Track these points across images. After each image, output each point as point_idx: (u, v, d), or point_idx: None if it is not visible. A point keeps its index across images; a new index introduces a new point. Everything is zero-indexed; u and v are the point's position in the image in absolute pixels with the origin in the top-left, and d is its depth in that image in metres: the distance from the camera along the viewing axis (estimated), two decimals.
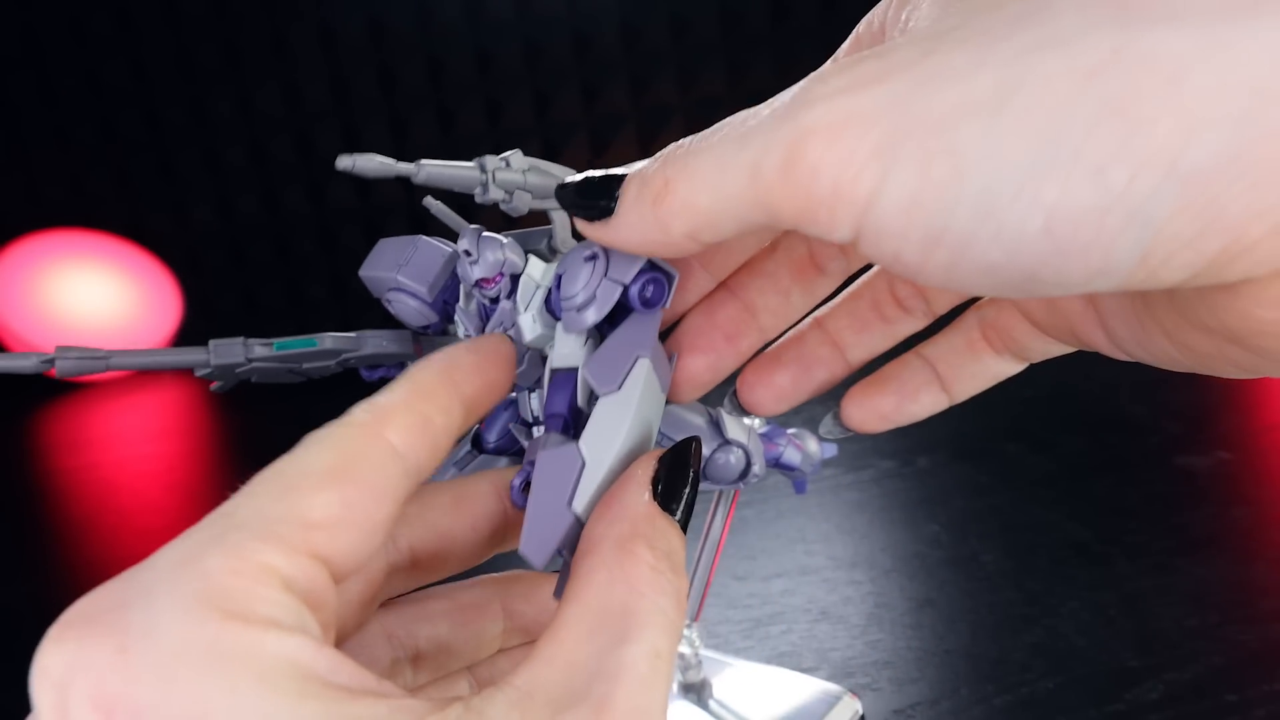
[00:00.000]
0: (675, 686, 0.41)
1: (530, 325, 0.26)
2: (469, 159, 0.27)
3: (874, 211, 0.16)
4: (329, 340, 0.28)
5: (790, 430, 0.33)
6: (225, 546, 0.16)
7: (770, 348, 0.29)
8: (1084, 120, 0.14)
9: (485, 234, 0.27)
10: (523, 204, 0.26)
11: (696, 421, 0.29)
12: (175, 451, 0.98)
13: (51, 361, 0.24)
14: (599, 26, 1.07)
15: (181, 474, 0.88)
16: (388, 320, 0.31)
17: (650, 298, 0.25)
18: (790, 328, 0.28)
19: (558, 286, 0.25)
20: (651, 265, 0.25)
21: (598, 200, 0.21)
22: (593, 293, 0.24)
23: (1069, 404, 0.66)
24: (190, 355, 0.26)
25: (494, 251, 0.26)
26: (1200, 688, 0.38)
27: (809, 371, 0.28)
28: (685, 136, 0.20)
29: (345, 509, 0.18)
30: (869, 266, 0.27)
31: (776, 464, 0.32)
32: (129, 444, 1.02)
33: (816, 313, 0.28)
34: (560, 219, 0.29)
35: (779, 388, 0.28)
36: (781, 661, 0.42)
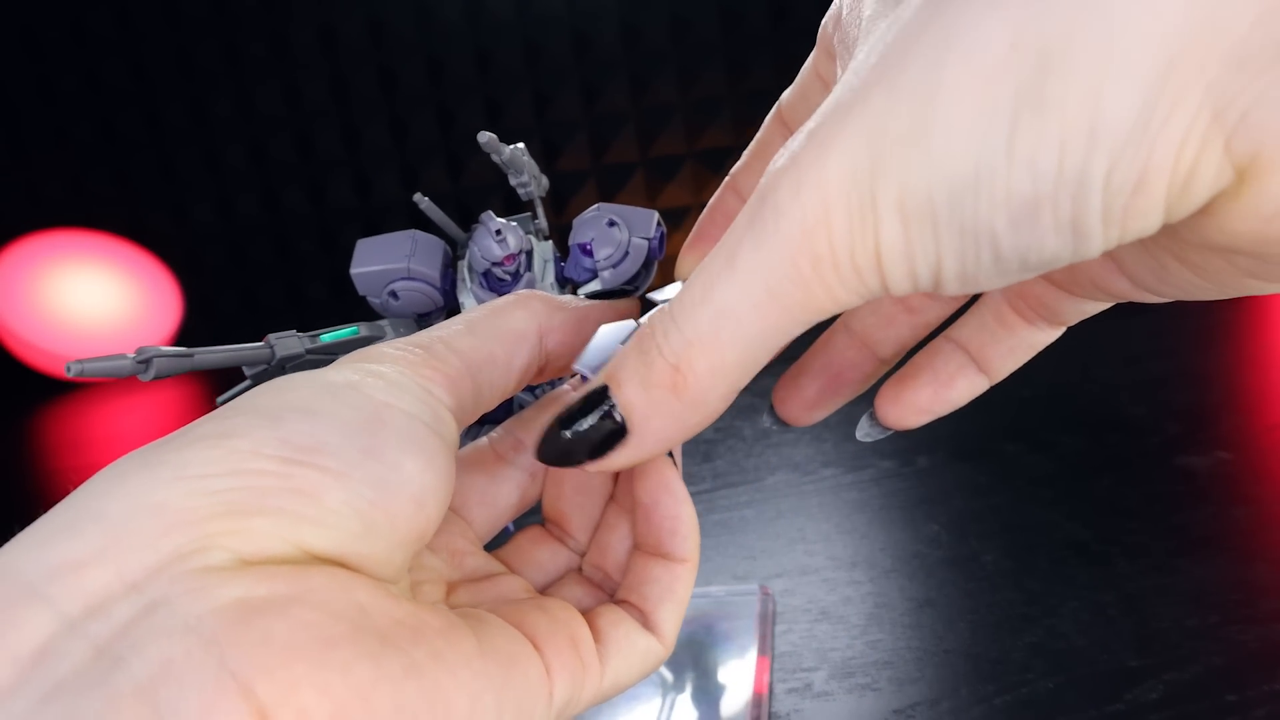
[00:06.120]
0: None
1: (551, 291, 0.31)
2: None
3: (885, 266, 0.17)
4: (365, 329, 0.29)
5: None
6: None
7: (800, 359, 0.28)
8: (1002, 120, 0.15)
9: (501, 220, 0.31)
10: (539, 190, 0.32)
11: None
12: None
13: (146, 363, 0.24)
14: (599, 26, 1.07)
15: None
16: (377, 316, 0.32)
17: (660, 246, 0.31)
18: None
19: (585, 252, 0.31)
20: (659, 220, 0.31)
21: (597, 434, 0.20)
22: (626, 250, 0.30)
23: (1068, 404, 0.66)
24: (256, 352, 0.27)
25: (516, 233, 0.30)
26: (1200, 688, 0.38)
27: (839, 377, 0.27)
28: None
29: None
30: None
31: None
32: (130, 444, 1.02)
33: (843, 314, 0.27)
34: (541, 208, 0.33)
35: (807, 398, 0.27)
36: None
